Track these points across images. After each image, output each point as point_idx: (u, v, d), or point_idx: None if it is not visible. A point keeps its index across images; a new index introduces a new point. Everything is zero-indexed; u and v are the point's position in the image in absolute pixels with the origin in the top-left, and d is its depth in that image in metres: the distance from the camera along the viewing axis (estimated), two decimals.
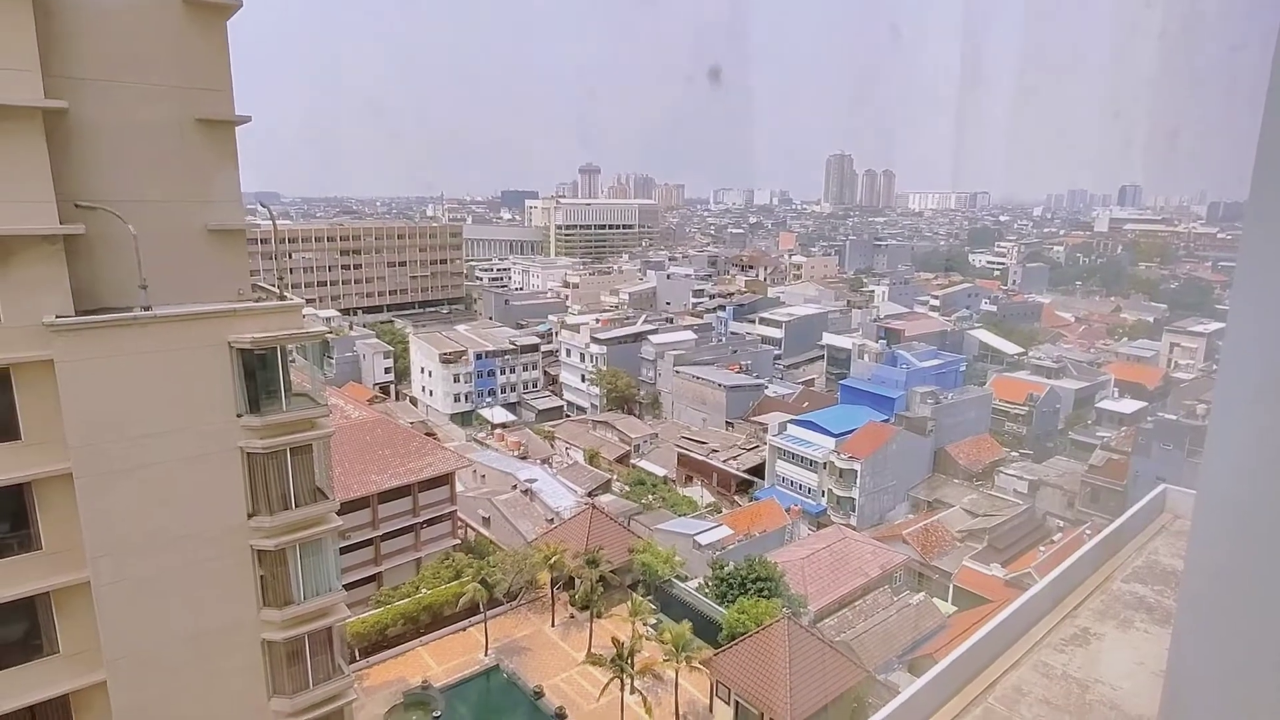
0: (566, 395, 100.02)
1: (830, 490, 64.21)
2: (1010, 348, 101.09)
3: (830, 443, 64.08)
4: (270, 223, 27.21)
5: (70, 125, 16.86)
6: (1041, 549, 52.16)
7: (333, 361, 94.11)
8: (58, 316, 16.51)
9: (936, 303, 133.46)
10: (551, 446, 77.93)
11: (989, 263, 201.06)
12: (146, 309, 17.52)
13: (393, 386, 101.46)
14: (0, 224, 15.83)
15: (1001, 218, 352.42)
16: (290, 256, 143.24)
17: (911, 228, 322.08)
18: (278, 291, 21.23)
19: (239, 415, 18.83)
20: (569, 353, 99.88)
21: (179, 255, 18.76)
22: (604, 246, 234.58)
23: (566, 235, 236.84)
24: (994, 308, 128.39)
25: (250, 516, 19.42)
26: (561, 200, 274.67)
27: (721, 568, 45.46)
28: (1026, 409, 77.50)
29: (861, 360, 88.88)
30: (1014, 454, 72.30)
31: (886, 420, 68.65)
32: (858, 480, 62.17)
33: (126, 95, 17.75)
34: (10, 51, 15.56)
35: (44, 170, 16.19)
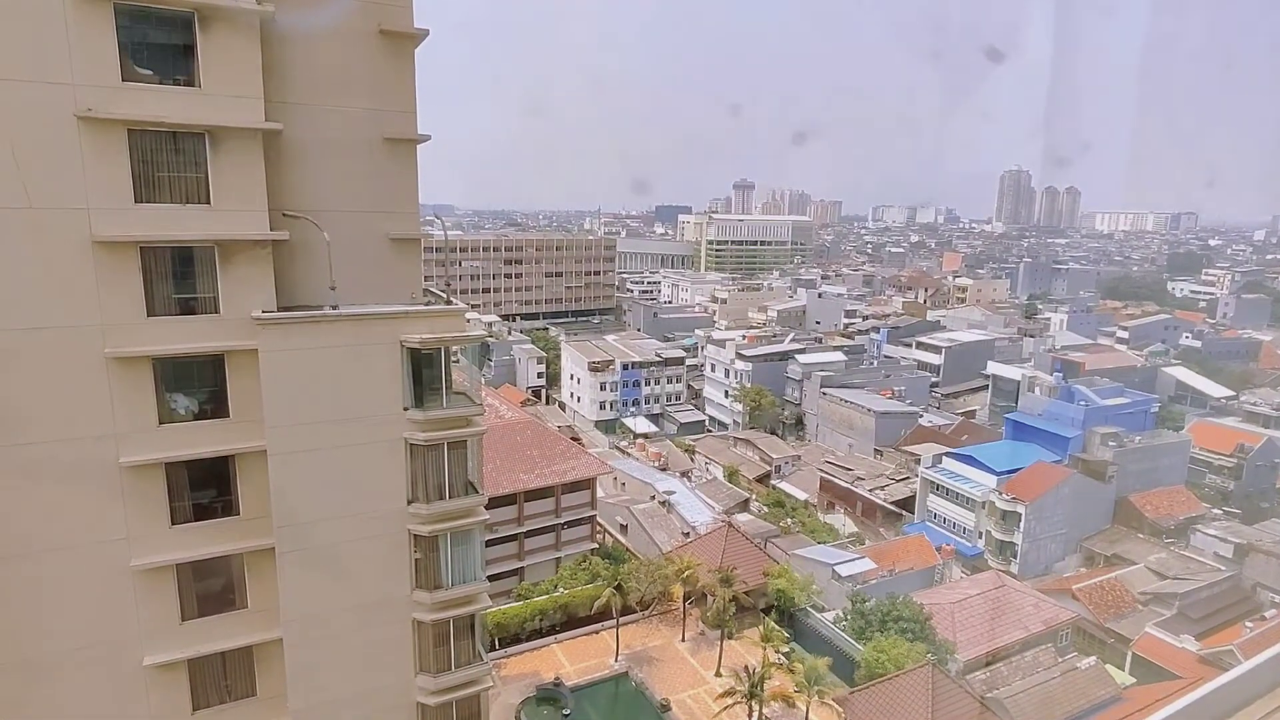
0: (709, 410, 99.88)
1: (988, 532, 59.40)
2: (1216, 389, 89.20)
3: (991, 480, 59.50)
4: (443, 233, 29.59)
5: (281, 144, 19.14)
6: (1248, 625, 44.99)
7: (491, 364, 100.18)
8: (264, 311, 18.75)
9: (1125, 335, 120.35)
10: (691, 460, 78.02)
11: (1192, 292, 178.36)
12: (335, 308, 19.52)
13: (544, 390, 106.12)
14: (225, 230, 18.30)
15: (1211, 242, 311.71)
16: (459, 264, 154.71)
17: (1098, 251, 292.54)
18: (445, 296, 22.83)
19: (405, 409, 20.38)
20: (713, 368, 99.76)
21: (362, 260, 20.68)
22: (755, 263, 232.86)
23: (717, 250, 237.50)
24: (1197, 343, 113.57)
25: (409, 503, 20.92)
26: (714, 216, 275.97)
27: (862, 602, 43.27)
28: (1235, 461, 68.06)
29: (1032, 394, 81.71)
30: (1216, 511, 63.48)
31: (1058, 461, 62.77)
32: (1021, 524, 57.07)
33: (327, 117, 19.88)
34: (242, 82, 17.97)
35: (260, 184, 18.51)
